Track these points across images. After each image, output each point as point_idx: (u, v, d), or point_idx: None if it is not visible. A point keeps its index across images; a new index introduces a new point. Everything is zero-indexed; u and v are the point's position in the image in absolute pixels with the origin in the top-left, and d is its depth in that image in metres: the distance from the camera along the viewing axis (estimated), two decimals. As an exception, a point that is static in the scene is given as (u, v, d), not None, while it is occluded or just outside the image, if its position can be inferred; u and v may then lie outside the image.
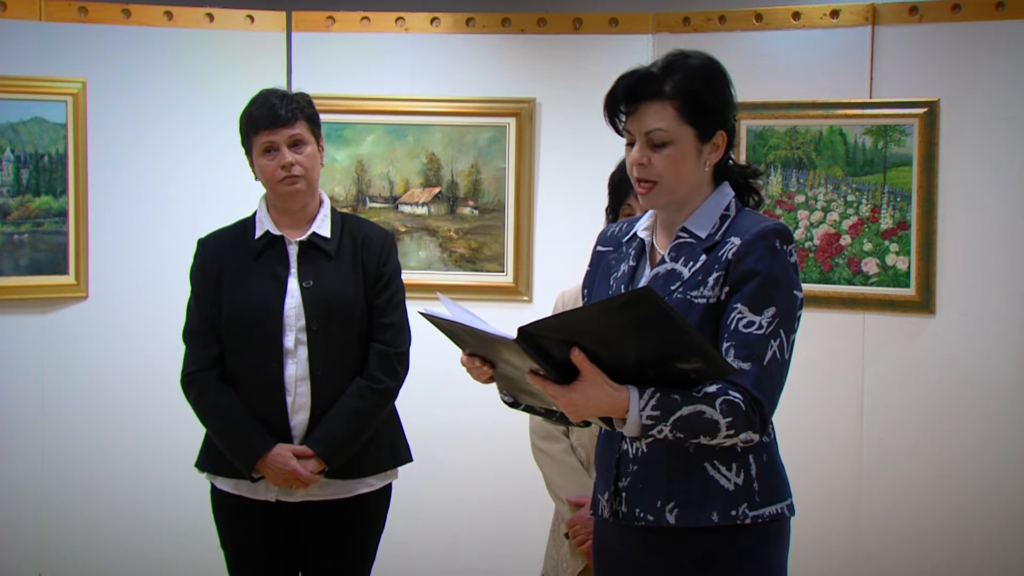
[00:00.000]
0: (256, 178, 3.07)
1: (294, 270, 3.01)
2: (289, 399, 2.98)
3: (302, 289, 2.99)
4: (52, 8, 4.14)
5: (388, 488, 3.14)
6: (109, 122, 4.19)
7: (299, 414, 2.99)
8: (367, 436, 3.03)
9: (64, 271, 4.14)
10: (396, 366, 3.06)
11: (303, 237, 3.03)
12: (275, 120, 2.97)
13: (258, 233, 3.04)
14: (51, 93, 4.09)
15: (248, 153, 3.06)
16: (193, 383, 3.04)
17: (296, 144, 2.99)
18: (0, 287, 4.06)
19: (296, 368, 2.98)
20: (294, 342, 2.98)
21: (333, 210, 3.11)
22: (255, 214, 3.09)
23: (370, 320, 3.06)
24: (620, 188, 2.90)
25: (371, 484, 3.08)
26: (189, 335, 3.08)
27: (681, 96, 2.19)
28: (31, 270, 4.10)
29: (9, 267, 4.08)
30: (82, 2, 4.17)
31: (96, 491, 4.22)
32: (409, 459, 3.16)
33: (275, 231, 3.03)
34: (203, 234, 3.16)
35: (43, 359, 4.17)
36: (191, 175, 4.23)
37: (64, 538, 4.20)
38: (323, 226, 3.05)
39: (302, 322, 2.98)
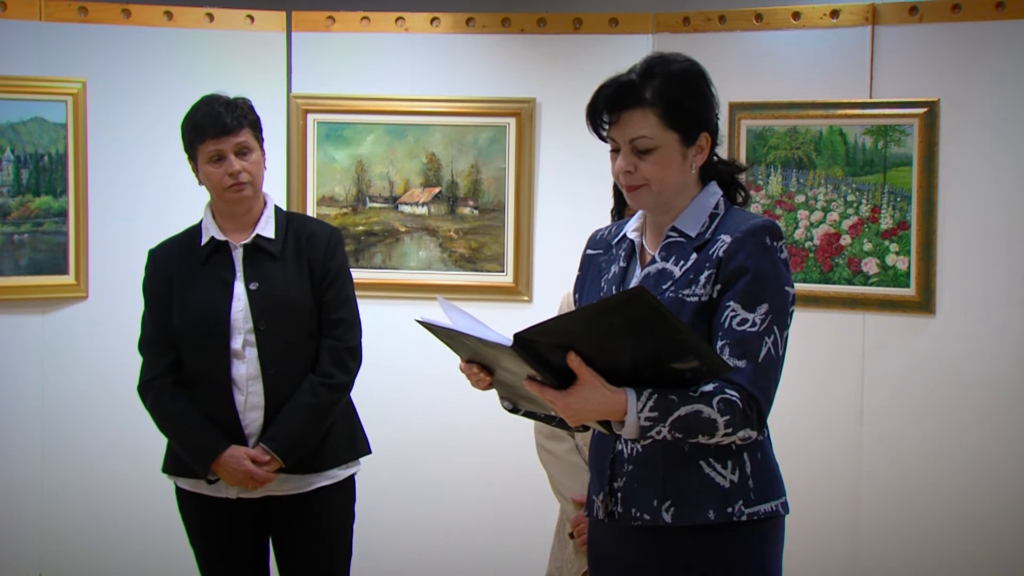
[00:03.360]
0: (200, 183, 3.10)
1: (240, 273, 3.05)
2: (241, 398, 3.02)
3: (248, 292, 3.03)
4: (52, 8, 4.14)
5: (351, 479, 3.17)
6: (109, 122, 4.19)
7: (252, 413, 3.03)
8: (323, 431, 3.07)
9: (64, 271, 4.14)
10: (348, 360, 3.11)
11: (247, 240, 3.07)
12: (222, 129, 3.01)
13: (204, 240, 3.09)
14: (51, 93, 4.09)
15: (192, 159, 3.10)
16: (149, 391, 3.11)
17: (242, 152, 3.04)
18: (0, 287, 4.06)
19: (247, 368, 3.01)
20: (242, 343, 3.02)
21: (277, 210, 3.15)
22: (202, 221, 3.13)
23: (319, 316, 3.10)
24: None
25: (332, 476, 3.11)
26: (145, 345, 3.15)
27: (662, 103, 2.18)
28: (31, 270, 4.11)
29: (9, 267, 4.08)
30: (82, 2, 4.17)
31: (96, 491, 4.22)
32: (368, 451, 3.20)
33: (220, 236, 3.07)
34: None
35: (43, 359, 4.17)
36: (191, 175, 4.21)
37: (64, 538, 4.21)
38: (267, 227, 3.09)
39: (250, 324, 3.02)
